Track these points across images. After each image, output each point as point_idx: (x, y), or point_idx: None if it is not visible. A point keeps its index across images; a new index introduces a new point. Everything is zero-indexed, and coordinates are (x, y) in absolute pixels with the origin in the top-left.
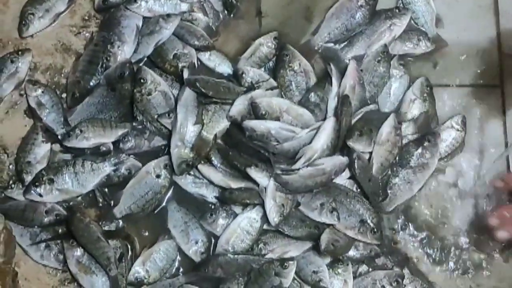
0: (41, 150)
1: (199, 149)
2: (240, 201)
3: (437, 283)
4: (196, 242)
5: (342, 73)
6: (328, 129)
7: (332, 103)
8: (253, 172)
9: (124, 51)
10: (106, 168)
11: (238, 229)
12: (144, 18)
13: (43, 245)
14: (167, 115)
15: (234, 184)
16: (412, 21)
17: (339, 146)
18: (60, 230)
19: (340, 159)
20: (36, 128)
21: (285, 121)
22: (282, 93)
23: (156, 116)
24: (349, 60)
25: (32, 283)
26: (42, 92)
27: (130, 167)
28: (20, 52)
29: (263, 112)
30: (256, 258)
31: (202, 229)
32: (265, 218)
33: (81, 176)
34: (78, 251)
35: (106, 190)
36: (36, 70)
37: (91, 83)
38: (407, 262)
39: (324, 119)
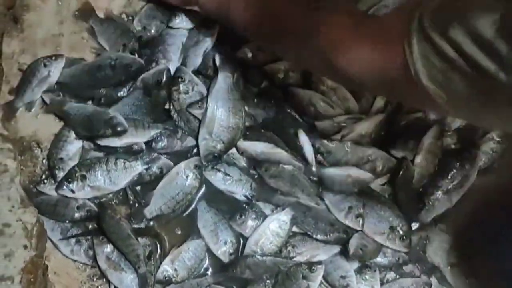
0: (73, 147)
1: (229, 144)
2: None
3: None
4: (225, 243)
5: None
6: (375, 120)
7: (380, 101)
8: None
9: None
10: (138, 167)
11: (268, 230)
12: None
13: (73, 240)
14: (197, 105)
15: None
16: None
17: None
18: (90, 226)
19: (380, 152)
20: (68, 125)
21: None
22: None
23: (186, 105)
24: None
25: (61, 277)
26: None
27: (161, 166)
28: (54, 57)
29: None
30: (284, 260)
31: (232, 230)
32: (294, 220)
33: (113, 173)
34: (108, 248)
35: (138, 188)
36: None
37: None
38: (434, 271)
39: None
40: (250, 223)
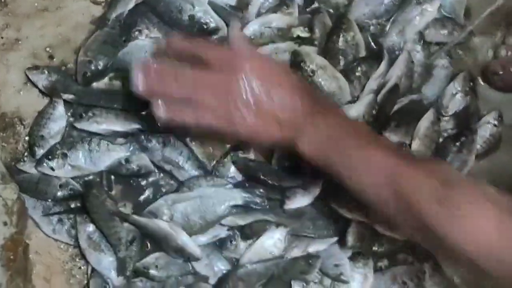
0: (56, 126)
1: None
2: (263, 231)
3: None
4: (223, 272)
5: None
6: (363, 101)
7: (373, 84)
8: None
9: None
10: (121, 152)
11: (262, 249)
12: None
13: (55, 219)
14: None
15: (242, 221)
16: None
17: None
18: (73, 205)
19: None
20: (53, 103)
21: (319, 76)
22: (327, 58)
23: None
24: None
25: (43, 256)
26: (48, 72)
27: (141, 165)
28: None
29: (303, 60)
30: (276, 261)
31: (226, 259)
32: (290, 234)
33: (95, 154)
34: (91, 227)
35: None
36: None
37: (103, 64)
38: (428, 258)
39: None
40: (243, 244)
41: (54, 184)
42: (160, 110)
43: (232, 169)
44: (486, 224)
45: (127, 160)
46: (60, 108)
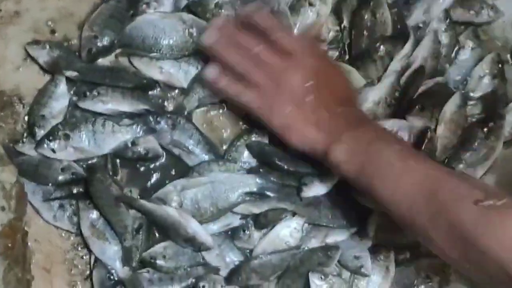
0: (58, 105)
1: None
2: (278, 220)
3: None
4: (235, 264)
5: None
6: (385, 82)
7: (397, 65)
8: None
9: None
10: (127, 134)
11: (277, 239)
12: None
13: (56, 205)
14: None
15: (257, 209)
16: None
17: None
18: (76, 190)
19: (401, 122)
20: (55, 80)
21: None
22: (353, 33)
23: None
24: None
25: (42, 244)
26: (50, 47)
27: (149, 148)
28: None
29: None
30: (293, 252)
31: (238, 250)
32: (308, 223)
33: (99, 136)
34: (94, 214)
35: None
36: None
37: (109, 40)
38: None
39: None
40: (257, 234)
41: (55, 168)
42: (211, 72)
43: (246, 153)
44: None
45: (133, 143)
46: (62, 86)
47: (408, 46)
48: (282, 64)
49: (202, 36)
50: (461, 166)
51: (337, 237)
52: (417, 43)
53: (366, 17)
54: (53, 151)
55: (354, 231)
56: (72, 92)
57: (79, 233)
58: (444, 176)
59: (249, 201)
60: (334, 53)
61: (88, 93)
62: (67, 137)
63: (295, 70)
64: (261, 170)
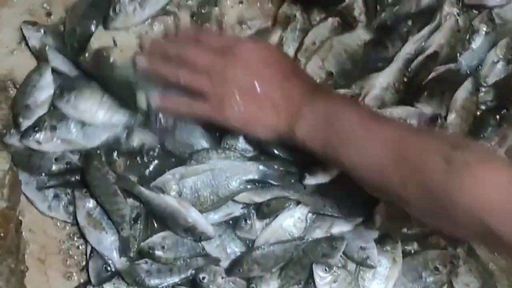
0: (43, 94)
1: None
2: (282, 209)
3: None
4: (236, 255)
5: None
6: (394, 67)
7: (411, 47)
8: None
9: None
10: (118, 128)
11: (280, 229)
12: None
13: (51, 194)
14: None
15: (259, 198)
16: None
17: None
18: (71, 180)
19: (411, 109)
20: (40, 68)
21: None
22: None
23: None
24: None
25: (37, 235)
26: (44, 32)
27: (144, 141)
28: None
29: None
30: (296, 243)
31: (240, 240)
32: (312, 212)
33: (89, 127)
34: (91, 203)
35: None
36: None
37: (91, 29)
38: (461, 242)
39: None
40: (259, 224)
41: (49, 157)
42: (156, 99)
43: (242, 139)
44: (498, 184)
45: (128, 135)
46: (48, 76)
47: (427, 29)
48: (220, 63)
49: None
50: None
51: (343, 227)
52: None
53: None
54: (39, 142)
55: (360, 221)
56: (58, 83)
57: (75, 223)
58: (410, 136)
59: (250, 189)
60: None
61: (64, 94)
62: (53, 128)
63: (233, 63)
64: (262, 158)
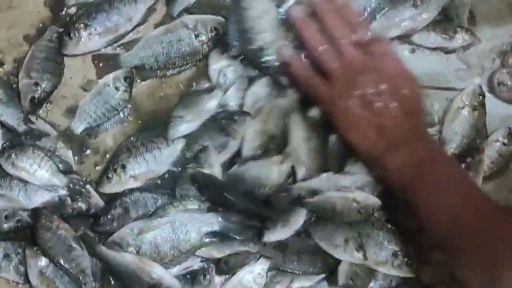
0: None
1: None
2: (241, 266)
3: None
4: None
5: None
6: None
7: None
8: None
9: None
10: (61, 190)
11: (239, 286)
12: None
13: (1, 255)
14: None
15: (218, 253)
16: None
17: None
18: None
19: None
20: None
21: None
22: None
23: None
24: None
25: None
26: None
27: (90, 204)
28: None
29: None
30: None
31: None
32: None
33: (32, 187)
34: (43, 261)
35: None
36: None
37: (51, 84)
38: None
39: None
40: (218, 279)
41: None
42: (288, 51)
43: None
44: None
45: (71, 198)
46: None
47: None
48: (361, 62)
49: (289, 7)
50: None
51: (304, 283)
52: None
53: None
54: None
55: (322, 277)
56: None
57: (28, 282)
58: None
59: (210, 243)
60: None
61: (5, 150)
62: None
63: (372, 71)
64: (220, 209)
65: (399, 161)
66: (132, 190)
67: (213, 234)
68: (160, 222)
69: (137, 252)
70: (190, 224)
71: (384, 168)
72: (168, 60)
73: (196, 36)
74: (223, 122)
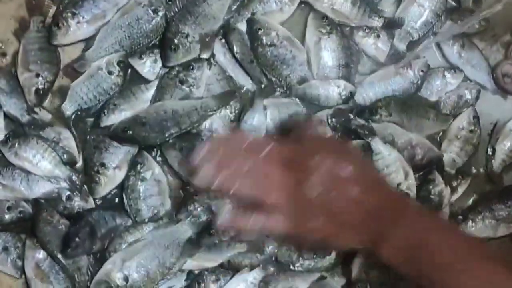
0: None
1: None
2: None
3: None
4: None
5: None
6: None
7: None
8: None
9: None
10: (63, 182)
11: None
12: None
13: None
14: None
15: (210, 263)
16: None
17: None
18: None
19: None
20: None
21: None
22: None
23: None
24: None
25: None
26: None
27: (83, 206)
28: None
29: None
30: None
31: None
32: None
33: (33, 177)
34: (41, 254)
35: None
36: None
37: (52, 73)
38: None
39: None
40: (213, 286)
41: (1, 206)
42: (226, 220)
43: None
44: None
45: (68, 197)
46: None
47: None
48: (289, 174)
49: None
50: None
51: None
52: None
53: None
54: None
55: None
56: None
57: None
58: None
59: (198, 256)
60: None
61: (9, 140)
62: None
63: (307, 177)
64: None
65: (393, 248)
66: (91, 210)
67: (190, 240)
68: (141, 245)
69: (127, 282)
70: (167, 238)
71: (384, 258)
72: (132, 43)
73: (154, 11)
74: (180, 76)
